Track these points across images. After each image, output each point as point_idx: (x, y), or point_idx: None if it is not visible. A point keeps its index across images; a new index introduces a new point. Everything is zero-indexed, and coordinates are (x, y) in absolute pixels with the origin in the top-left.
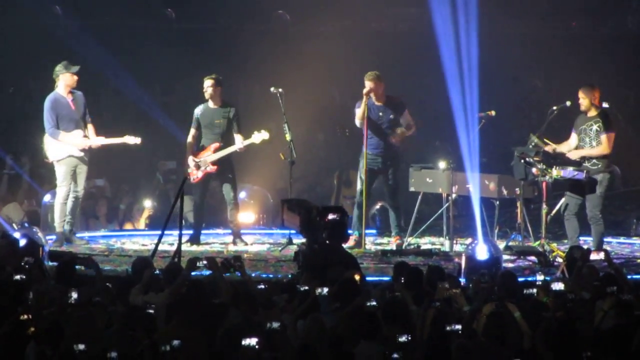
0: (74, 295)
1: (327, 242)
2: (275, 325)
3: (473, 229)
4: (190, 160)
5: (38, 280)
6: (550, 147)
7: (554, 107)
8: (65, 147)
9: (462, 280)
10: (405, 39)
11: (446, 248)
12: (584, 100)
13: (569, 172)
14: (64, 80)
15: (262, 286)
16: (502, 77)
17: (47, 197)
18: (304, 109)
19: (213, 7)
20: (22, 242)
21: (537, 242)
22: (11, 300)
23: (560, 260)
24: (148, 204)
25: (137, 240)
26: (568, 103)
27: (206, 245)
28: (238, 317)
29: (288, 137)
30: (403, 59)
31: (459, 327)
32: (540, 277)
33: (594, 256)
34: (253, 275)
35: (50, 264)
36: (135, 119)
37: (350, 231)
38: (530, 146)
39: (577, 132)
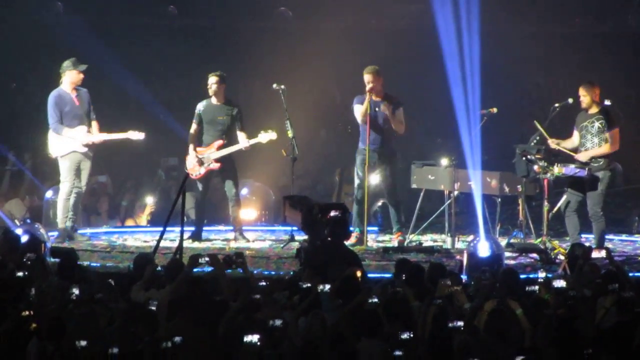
0: (75, 291)
1: (329, 239)
2: (278, 322)
3: (475, 226)
4: (193, 156)
5: (40, 276)
6: (554, 142)
7: (556, 105)
8: (68, 143)
9: (464, 278)
10: (407, 37)
11: (448, 245)
12: (584, 98)
13: (571, 169)
14: (70, 77)
15: (263, 283)
16: (504, 75)
17: (49, 193)
18: (305, 106)
19: (215, 3)
20: (24, 239)
21: (539, 240)
22: (13, 296)
23: (562, 257)
24: (150, 200)
25: (138, 236)
26: (570, 100)
27: (208, 242)
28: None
29: (290, 133)
30: (405, 56)
31: (460, 324)
32: (541, 275)
33: (595, 254)
34: (255, 272)
35: (52, 260)
36: (136, 115)
37: (350, 228)
38: (534, 141)
39: (579, 129)
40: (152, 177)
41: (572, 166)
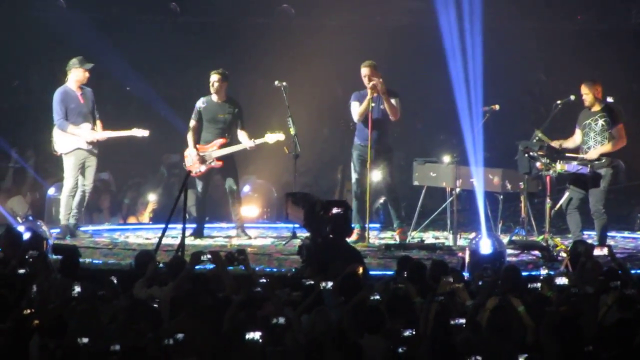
0: (77, 288)
1: (331, 236)
2: (282, 320)
3: (477, 223)
4: (194, 154)
5: (42, 273)
6: (556, 143)
7: (558, 101)
8: (73, 140)
9: (466, 275)
10: (409, 33)
11: (450, 242)
12: (587, 96)
13: (573, 166)
14: (75, 75)
15: (264, 280)
16: (506, 71)
17: (51, 191)
18: (308, 103)
19: (217, 0)
20: (26, 236)
21: (541, 237)
22: (15, 294)
23: (564, 254)
24: (152, 197)
25: (141, 234)
26: (572, 97)
27: (210, 239)
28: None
29: (292, 130)
30: (407, 53)
31: (462, 321)
32: (544, 272)
33: (597, 252)
34: (257, 269)
35: (55, 257)
36: (139, 112)
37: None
38: (536, 139)
39: (581, 127)
40: (155, 174)
41: (575, 163)
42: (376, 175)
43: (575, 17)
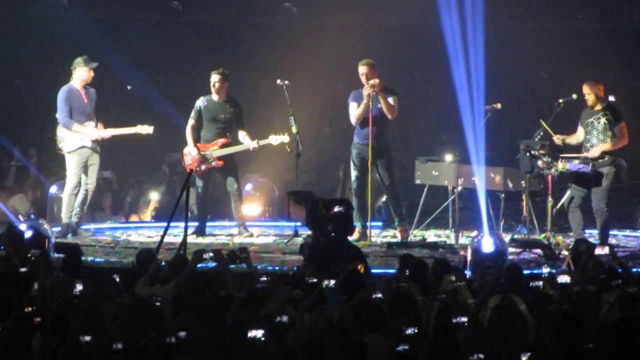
0: (79, 287)
1: (333, 234)
2: (285, 319)
3: (479, 222)
4: (195, 152)
5: (44, 272)
6: (558, 138)
7: (560, 100)
8: (78, 138)
9: (468, 273)
10: (411, 32)
11: (452, 241)
12: (589, 96)
13: (575, 165)
14: (80, 74)
15: (264, 278)
16: (508, 70)
17: (53, 189)
18: (310, 102)
19: None
20: (28, 234)
21: (543, 235)
22: (17, 292)
23: (566, 253)
24: (154, 196)
25: (142, 232)
26: (574, 96)
27: (212, 237)
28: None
29: (294, 129)
30: (409, 51)
31: (464, 319)
32: (546, 270)
33: (598, 250)
34: (259, 267)
35: (57, 255)
36: (140, 111)
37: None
38: (538, 137)
39: (584, 125)
40: (157, 172)
41: (576, 162)
42: (376, 174)
43: (576, 16)
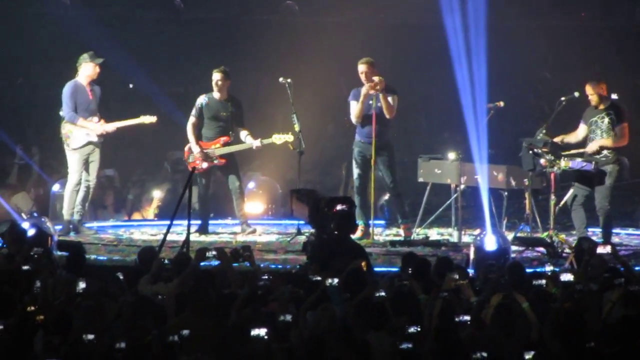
0: (82, 285)
1: (335, 232)
2: (288, 317)
3: (481, 220)
4: (197, 150)
5: (47, 270)
6: (558, 139)
7: (563, 98)
8: (84, 134)
9: (471, 271)
10: (413, 31)
11: (454, 239)
12: (592, 96)
13: (577, 163)
14: (86, 70)
15: (266, 276)
16: (510, 68)
17: (55, 187)
18: (312, 100)
19: None
20: (31, 232)
21: (546, 233)
22: (19, 290)
23: (569, 251)
24: (157, 194)
25: (145, 230)
26: (576, 94)
27: (215, 235)
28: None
29: (297, 127)
30: (411, 50)
31: (467, 318)
32: (548, 268)
33: (600, 249)
34: (262, 265)
35: (59, 253)
36: (143, 109)
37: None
38: (541, 135)
39: (587, 124)
40: (159, 170)
41: (579, 160)
42: (378, 172)
43: (579, 14)
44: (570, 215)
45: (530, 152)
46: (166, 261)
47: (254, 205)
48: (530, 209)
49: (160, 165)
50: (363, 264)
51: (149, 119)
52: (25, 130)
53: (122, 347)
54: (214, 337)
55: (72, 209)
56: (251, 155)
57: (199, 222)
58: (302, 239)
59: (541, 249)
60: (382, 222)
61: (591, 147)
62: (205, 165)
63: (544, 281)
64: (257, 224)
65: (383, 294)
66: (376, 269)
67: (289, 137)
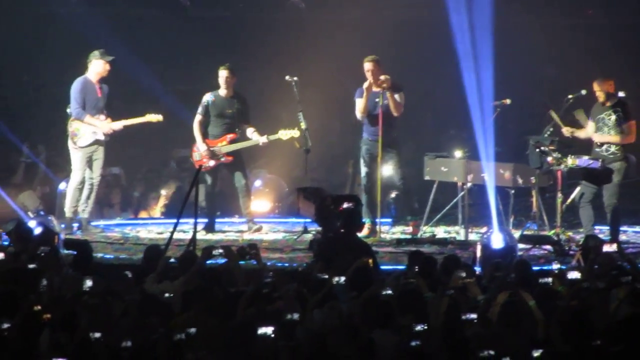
0: (88, 283)
1: (342, 230)
2: (296, 316)
3: (488, 218)
4: (203, 148)
5: (53, 268)
6: (568, 131)
7: (570, 96)
8: (91, 132)
9: (477, 269)
10: (419, 27)
11: (461, 237)
12: (600, 93)
13: (584, 160)
14: (96, 67)
15: (270, 274)
16: (516, 66)
17: (62, 185)
18: (318, 98)
19: None
20: (37, 231)
21: (552, 231)
22: (26, 288)
23: (576, 249)
24: (163, 192)
25: (152, 228)
26: (583, 91)
27: (221, 233)
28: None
29: (303, 125)
30: (418, 47)
31: (473, 316)
32: (555, 266)
33: (606, 248)
34: (268, 263)
35: (66, 252)
36: (149, 107)
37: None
38: (548, 133)
39: (595, 121)
40: (164, 168)
41: (586, 158)
42: (386, 170)
43: (585, 11)
44: (578, 212)
45: (537, 149)
46: (172, 259)
47: (261, 203)
48: (537, 206)
49: (166, 164)
50: (370, 261)
51: (155, 117)
52: (31, 129)
53: (128, 345)
54: (220, 336)
55: (74, 207)
56: (257, 153)
57: (205, 220)
58: (309, 237)
59: (548, 246)
60: (389, 220)
61: (599, 138)
62: (212, 163)
63: (550, 279)
64: (264, 222)
65: (389, 291)
66: (382, 267)
67: (295, 133)
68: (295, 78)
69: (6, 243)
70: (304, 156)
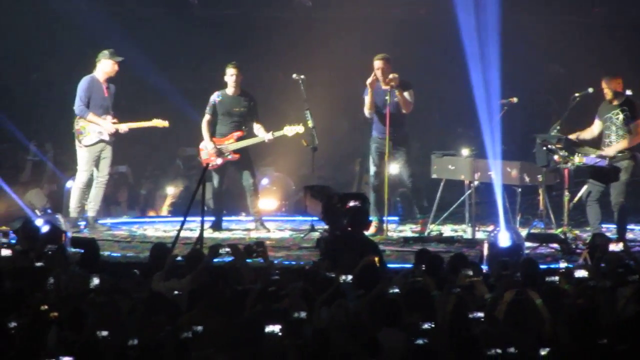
0: (96, 281)
1: (349, 229)
2: (303, 314)
3: (495, 216)
4: (211, 146)
5: (60, 266)
6: (573, 136)
7: (576, 94)
8: (97, 132)
9: (484, 268)
10: (426, 25)
11: (468, 235)
12: (607, 91)
13: (591, 159)
14: (105, 67)
15: (277, 271)
16: (523, 64)
17: (69, 183)
18: (325, 96)
19: None
20: (45, 229)
21: (559, 230)
22: (33, 286)
23: (583, 247)
24: (170, 190)
25: (159, 226)
26: (590, 90)
27: (228, 232)
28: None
29: (310, 123)
30: (425, 45)
31: (480, 314)
32: (562, 265)
33: (612, 247)
34: (275, 262)
35: (73, 250)
36: (156, 105)
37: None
38: (554, 131)
39: (602, 120)
40: (171, 166)
41: (593, 156)
42: (395, 168)
43: (592, 10)
44: (585, 211)
45: (544, 148)
46: (179, 257)
47: (268, 201)
48: (544, 205)
49: (172, 162)
50: (377, 259)
51: (161, 123)
52: (39, 127)
53: (135, 343)
54: (227, 334)
55: (79, 207)
56: (265, 151)
57: (212, 218)
58: (316, 235)
59: (555, 245)
60: (396, 218)
61: (609, 152)
62: (219, 161)
63: (557, 277)
64: (271, 221)
65: (396, 290)
66: (389, 266)
67: (300, 129)
68: (302, 76)
69: (13, 241)
70: (311, 154)
